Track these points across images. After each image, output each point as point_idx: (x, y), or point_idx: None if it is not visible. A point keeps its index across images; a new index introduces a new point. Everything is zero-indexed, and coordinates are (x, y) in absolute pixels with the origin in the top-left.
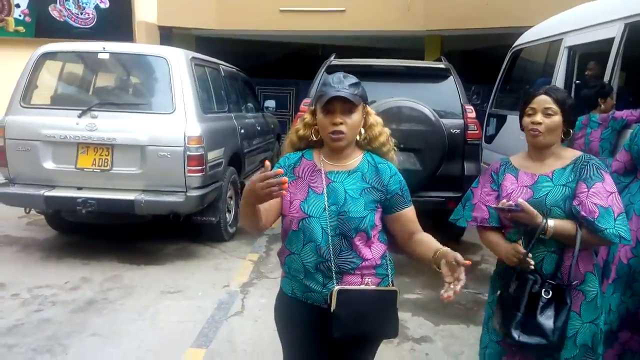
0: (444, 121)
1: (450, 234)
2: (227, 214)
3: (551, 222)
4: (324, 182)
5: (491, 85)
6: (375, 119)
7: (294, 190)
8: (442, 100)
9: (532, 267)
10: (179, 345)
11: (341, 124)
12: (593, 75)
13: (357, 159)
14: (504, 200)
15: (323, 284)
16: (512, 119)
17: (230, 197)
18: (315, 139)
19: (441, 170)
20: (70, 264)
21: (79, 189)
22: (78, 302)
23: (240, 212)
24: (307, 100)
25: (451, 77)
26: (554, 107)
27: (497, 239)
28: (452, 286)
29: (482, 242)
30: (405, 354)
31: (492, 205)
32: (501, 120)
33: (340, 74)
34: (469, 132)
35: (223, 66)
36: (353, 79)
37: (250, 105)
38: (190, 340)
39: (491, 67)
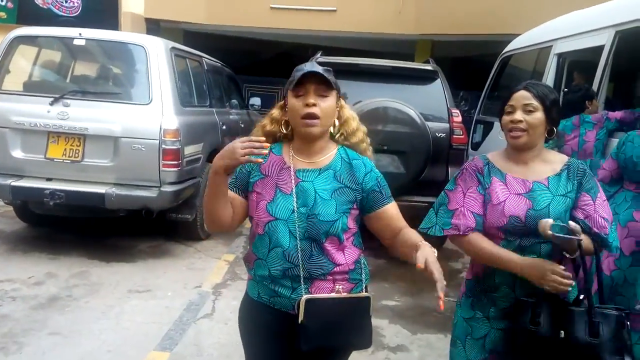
0: (430, 124)
1: (431, 242)
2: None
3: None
4: (293, 182)
5: (479, 92)
6: (350, 113)
7: (261, 191)
8: (429, 103)
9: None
10: (141, 347)
11: (314, 105)
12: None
13: (330, 154)
14: (564, 223)
15: (292, 289)
16: (499, 127)
17: None
18: (284, 131)
19: (425, 175)
20: (36, 258)
21: (49, 179)
22: (40, 298)
23: (205, 198)
24: None
25: (438, 79)
26: (535, 102)
27: (505, 252)
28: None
29: (467, 252)
30: None
31: (555, 234)
32: (488, 127)
33: (313, 61)
34: (454, 136)
35: (206, 59)
36: (326, 67)
37: (234, 101)
38: (154, 342)
39: (480, 74)
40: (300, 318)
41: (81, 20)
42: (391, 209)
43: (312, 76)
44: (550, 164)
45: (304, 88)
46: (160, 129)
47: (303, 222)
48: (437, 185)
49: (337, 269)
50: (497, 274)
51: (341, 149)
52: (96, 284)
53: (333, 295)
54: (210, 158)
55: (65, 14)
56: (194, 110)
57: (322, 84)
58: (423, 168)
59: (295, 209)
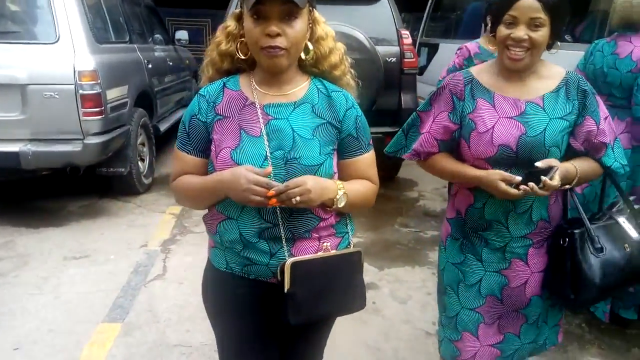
0: (379, 49)
1: (385, 171)
2: (140, 163)
3: (571, 167)
4: (261, 120)
5: (421, 13)
6: (325, 29)
7: (220, 136)
8: (376, 26)
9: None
10: (88, 321)
11: (279, 35)
12: None
13: (302, 86)
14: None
15: (270, 254)
16: (445, 48)
17: (142, 144)
18: (242, 56)
19: (377, 104)
20: None
21: None
22: None
23: (193, 197)
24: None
25: None
26: (543, 16)
27: (467, 168)
28: None
29: (430, 171)
30: None
31: (508, 181)
32: (433, 50)
33: None
34: (405, 60)
35: None
36: None
37: (157, 36)
38: (102, 313)
39: None
40: (287, 286)
41: None
42: (364, 160)
43: None
44: (545, 79)
45: (264, 8)
46: (74, 71)
47: (280, 170)
48: (390, 115)
49: (322, 223)
50: (486, 210)
51: (315, 80)
52: (24, 255)
53: (321, 254)
54: (137, 102)
55: None
56: (112, 47)
57: (289, 2)
58: (375, 97)
59: (268, 154)
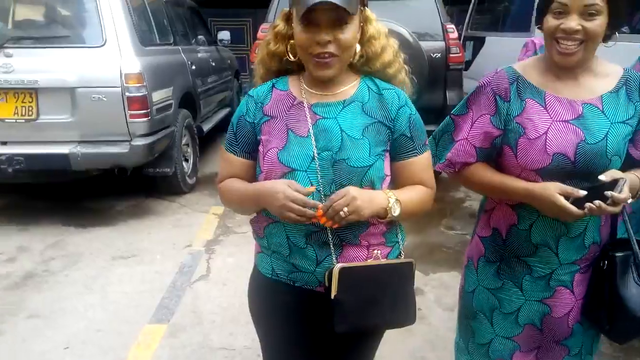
0: (423, 44)
1: None
2: (184, 163)
3: (634, 178)
4: (310, 120)
5: (466, 6)
6: (377, 28)
7: (267, 137)
8: (420, 20)
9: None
10: (134, 322)
11: (329, 42)
12: None
13: (352, 84)
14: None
15: (317, 261)
16: (491, 41)
17: (186, 144)
18: (292, 58)
19: (421, 101)
20: (5, 231)
21: (3, 143)
22: (14, 276)
23: (236, 202)
24: (265, 26)
25: None
26: (600, 2)
27: (511, 180)
28: None
29: (467, 184)
30: None
31: (569, 195)
32: (479, 44)
33: None
34: (451, 55)
35: None
36: None
37: (200, 37)
38: (148, 314)
39: None
40: (334, 292)
41: None
42: (419, 162)
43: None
44: (601, 77)
45: (315, 16)
46: (121, 73)
47: (328, 171)
48: (434, 112)
49: (371, 229)
50: (534, 233)
51: (365, 78)
52: (74, 254)
53: (371, 262)
54: (181, 103)
55: None
56: (157, 49)
57: (339, 10)
58: (419, 93)
59: (316, 154)
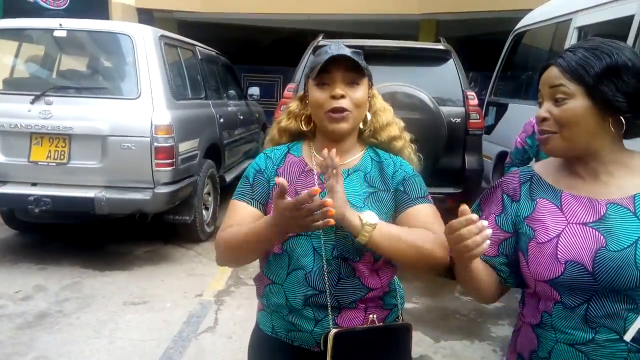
0: (444, 109)
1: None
2: (204, 211)
3: None
4: (317, 187)
5: (490, 72)
6: (382, 104)
7: None
8: (441, 86)
9: None
10: None
11: (343, 97)
12: None
13: (357, 155)
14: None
15: (315, 321)
16: (514, 108)
17: (208, 193)
18: (305, 128)
19: (440, 164)
20: (25, 269)
21: (34, 184)
22: (27, 315)
23: (237, 245)
24: (291, 85)
25: (451, 59)
26: (566, 83)
27: None
28: None
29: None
30: None
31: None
32: (501, 110)
33: (338, 42)
34: (470, 121)
35: (200, 48)
36: (354, 49)
37: (231, 92)
38: None
39: (489, 54)
40: (329, 357)
41: (69, 13)
42: (416, 212)
43: (339, 61)
44: (632, 170)
45: (329, 76)
46: (152, 125)
47: (330, 237)
48: (453, 175)
49: (370, 294)
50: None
51: (370, 149)
52: (89, 297)
53: (367, 326)
54: (207, 154)
55: (53, 7)
56: (188, 103)
57: (351, 70)
58: (438, 157)
59: None
